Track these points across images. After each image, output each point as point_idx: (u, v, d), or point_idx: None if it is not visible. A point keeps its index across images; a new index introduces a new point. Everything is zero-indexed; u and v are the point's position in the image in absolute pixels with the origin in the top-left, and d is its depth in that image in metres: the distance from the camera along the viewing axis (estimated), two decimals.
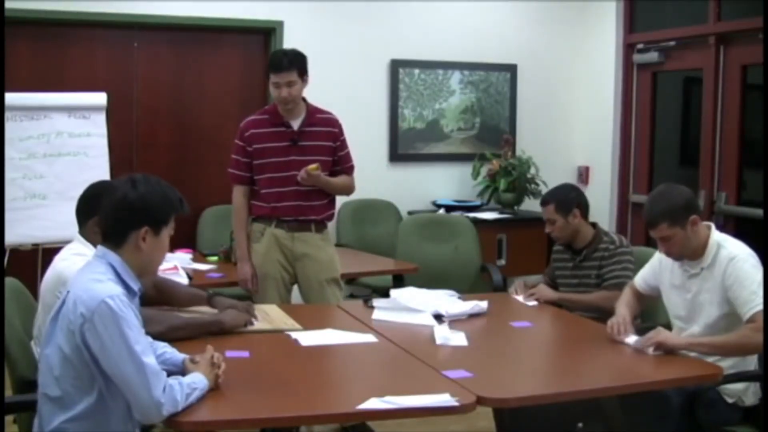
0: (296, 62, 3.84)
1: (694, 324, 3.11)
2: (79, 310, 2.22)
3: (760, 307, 2.87)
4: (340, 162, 4.04)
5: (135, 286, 2.39)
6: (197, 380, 2.35)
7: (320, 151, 3.95)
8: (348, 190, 4.17)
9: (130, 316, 2.25)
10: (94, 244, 2.54)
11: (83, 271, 2.36)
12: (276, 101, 3.91)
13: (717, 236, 3.09)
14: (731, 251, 3.02)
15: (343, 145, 4.06)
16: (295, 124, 3.94)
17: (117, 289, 2.27)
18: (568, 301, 3.76)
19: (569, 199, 3.85)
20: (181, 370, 2.51)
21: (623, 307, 3.25)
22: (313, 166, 3.85)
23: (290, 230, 3.95)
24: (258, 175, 3.96)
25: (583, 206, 3.87)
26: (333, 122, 4.04)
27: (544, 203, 3.91)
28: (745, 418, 3.06)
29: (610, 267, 3.72)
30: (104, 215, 2.41)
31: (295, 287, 4.09)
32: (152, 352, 2.32)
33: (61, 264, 2.82)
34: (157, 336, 2.66)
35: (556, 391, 2.61)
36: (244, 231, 4.00)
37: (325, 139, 3.98)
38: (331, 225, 4.25)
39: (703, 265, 3.07)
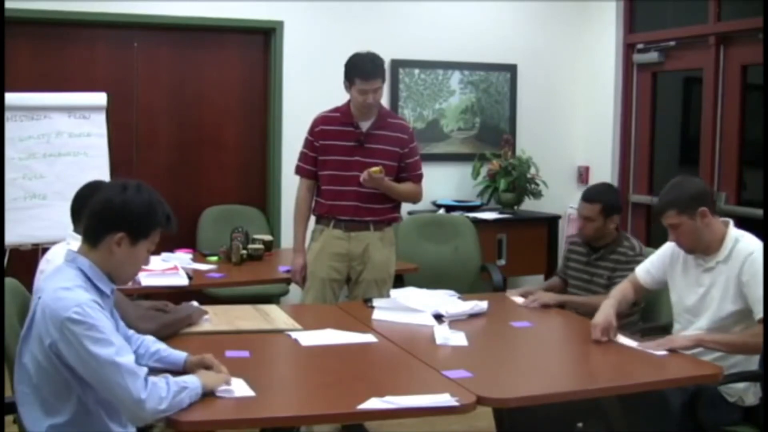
0: (382, 69, 3.87)
1: (702, 318, 3.10)
2: (48, 320, 2.20)
3: None
4: (407, 169, 4.03)
5: (107, 288, 2.35)
6: (189, 380, 2.32)
7: (385, 155, 3.94)
8: (413, 198, 4.16)
9: (100, 321, 2.20)
10: None
11: (52, 279, 2.31)
12: (359, 106, 3.90)
13: (735, 232, 3.09)
14: (750, 245, 3.02)
15: (413, 152, 4.04)
16: (364, 126, 3.95)
17: (85, 296, 2.23)
18: (570, 303, 3.69)
19: (616, 204, 3.79)
20: (183, 369, 2.50)
21: (610, 307, 3.15)
22: (375, 168, 3.85)
23: (347, 230, 3.97)
24: (321, 171, 3.98)
25: (620, 212, 3.83)
26: (404, 128, 4.05)
27: (589, 200, 3.76)
28: (745, 418, 3.06)
29: (624, 272, 3.63)
30: (87, 213, 2.37)
31: None
32: (129, 351, 2.27)
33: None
34: (149, 334, 2.67)
35: (556, 391, 2.61)
36: (304, 224, 4.06)
37: (393, 143, 3.97)
38: None
39: (719, 258, 3.06)
